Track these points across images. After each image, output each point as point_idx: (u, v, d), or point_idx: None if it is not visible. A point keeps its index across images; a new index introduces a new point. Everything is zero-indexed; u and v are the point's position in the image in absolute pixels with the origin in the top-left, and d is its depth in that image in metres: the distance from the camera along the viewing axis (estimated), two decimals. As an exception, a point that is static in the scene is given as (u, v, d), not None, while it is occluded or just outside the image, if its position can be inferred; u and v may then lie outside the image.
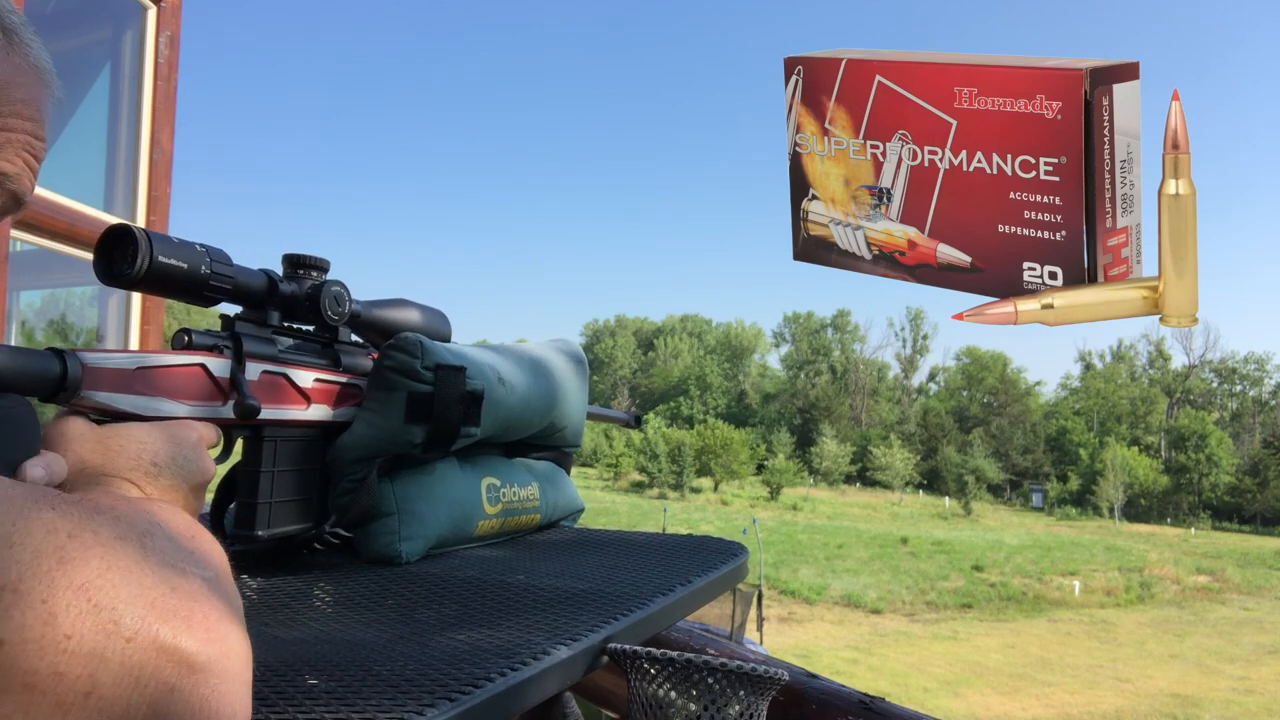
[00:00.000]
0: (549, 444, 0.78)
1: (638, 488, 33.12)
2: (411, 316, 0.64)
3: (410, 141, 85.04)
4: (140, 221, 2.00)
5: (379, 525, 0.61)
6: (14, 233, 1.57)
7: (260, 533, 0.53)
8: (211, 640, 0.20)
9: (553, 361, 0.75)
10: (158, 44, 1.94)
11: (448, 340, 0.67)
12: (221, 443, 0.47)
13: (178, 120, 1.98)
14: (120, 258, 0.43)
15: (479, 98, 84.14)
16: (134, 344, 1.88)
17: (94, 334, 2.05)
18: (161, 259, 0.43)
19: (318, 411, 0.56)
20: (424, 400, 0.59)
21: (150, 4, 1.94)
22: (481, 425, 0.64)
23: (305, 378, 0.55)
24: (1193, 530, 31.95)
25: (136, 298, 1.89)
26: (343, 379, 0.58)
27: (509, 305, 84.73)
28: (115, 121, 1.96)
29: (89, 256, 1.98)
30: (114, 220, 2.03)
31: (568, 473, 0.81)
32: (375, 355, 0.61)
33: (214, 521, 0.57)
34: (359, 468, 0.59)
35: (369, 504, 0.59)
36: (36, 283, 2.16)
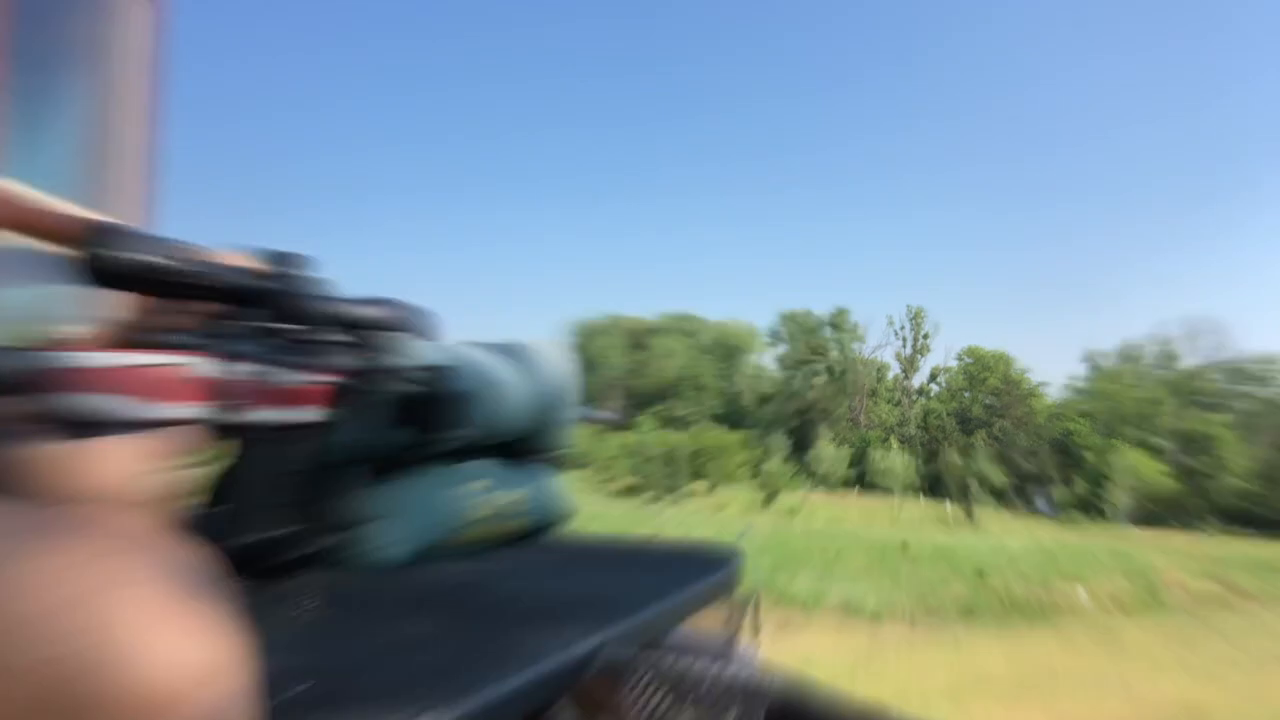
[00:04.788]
0: (539, 446, 0.76)
1: (630, 492, 32.97)
2: (396, 315, 0.63)
3: (399, 133, 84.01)
4: (128, 221, 2.00)
5: (365, 530, 0.59)
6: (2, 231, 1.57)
7: (245, 538, 0.52)
8: (211, 649, 0.20)
9: (542, 361, 0.74)
10: (150, 42, 1.95)
11: (433, 339, 0.66)
12: (204, 446, 0.47)
13: (170, 119, 1.98)
14: (102, 255, 0.42)
15: (472, 93, 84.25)
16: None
17: (78, 334, 2.05)
18: (142, 256, 0.42)
19: (302, 413, 0.55)
20: (412, 401, 0.58)
21: (145, 1, 1.95)
22: (470, 426, 0.63)
23: (289, 377, 0.53)
24: (1202, 535, 31.64)
25: (121, 297, 1.88)
26: (327, 379, 0.57)
27: (498, 303, 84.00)
28: (105, 119, 1.97)
29: (75, 254, 1.99)
30: (104, 219, 2.03)
31: (558, 476, 0.80)
32: (361, 354, 0.60)
33: (198, 527, 0.56)
34: (345, 470, 0.58)
35: (355, 507, 0.58)
36: (21, 281, 2.16)
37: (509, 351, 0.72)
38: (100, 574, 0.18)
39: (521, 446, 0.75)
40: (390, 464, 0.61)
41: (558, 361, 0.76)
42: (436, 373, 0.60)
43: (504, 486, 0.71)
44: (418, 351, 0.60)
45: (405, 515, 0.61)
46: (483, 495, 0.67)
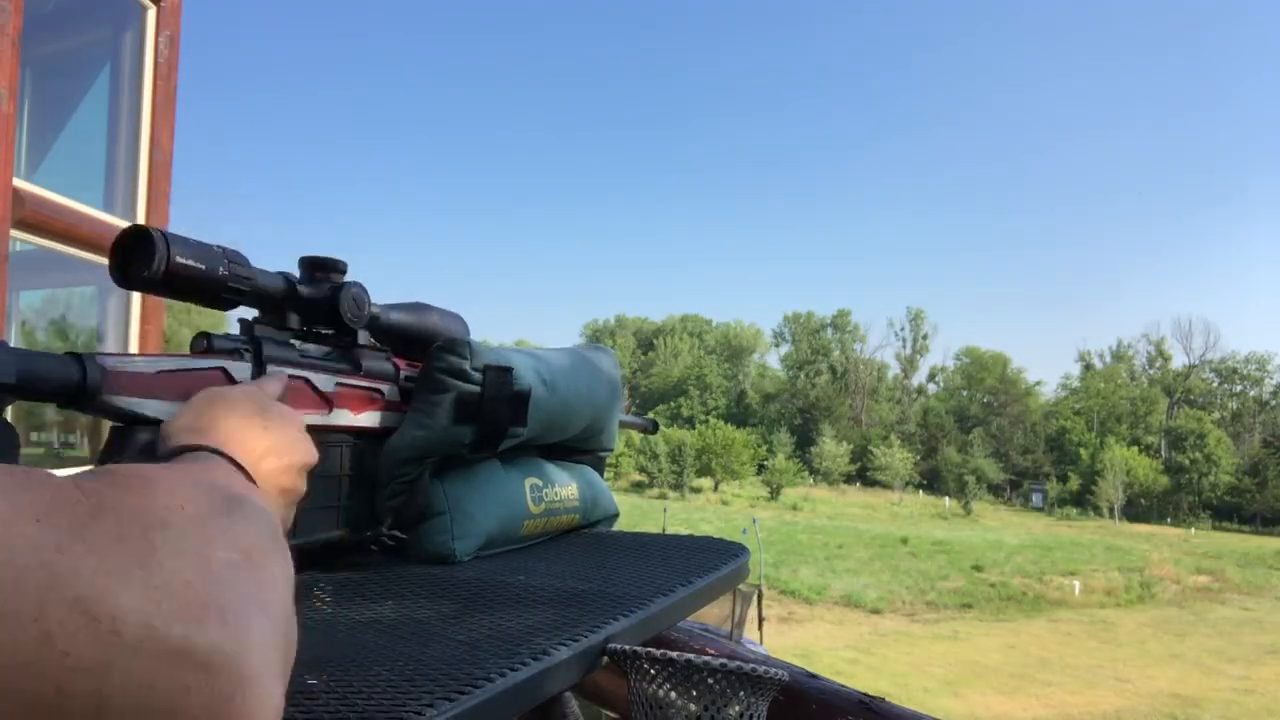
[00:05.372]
0: (585, 447, 0.77)
1: (638, 487, 33.11)
2: (430, 320, 0.63)
3: (405, 139, 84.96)
4: (140, 221, 2.00)
5: (432, 525, 0.61)
6: (14, 233, 1.57)
7: (289, 541, 0.52)
8: (229, 634, 0.19)
9: (590, 365, 0.75)
10: (157, 44, 1.94)
11: (468, 341, 0.66)
12: None
13: (177, 120, 1.98)
14: (136, 259, 0.42)
15: (477, 93, 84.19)
16: (134, 345, 1.87)
17: (94, 334, 2.05)
18: (179, 260, 0.42)
19: (339, 417, 0.55)
20: (473, 401, 0.59)
21: (150, 4, 1.94)
22: (526, 426, 0.64)
23: (326, 382, 0.53)
24: (1193, 530, 31.92)
25: (136, 299, 1.89)
26: (363, 383, 0.57)
27: (509, 305, 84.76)
28: (115, 121, 1.96)
29: (89, 256, 1.99)
30: (113, 220, 2.03)
31: (601, 476, 0.81)
32: (394, 359, 0.60)
33: None
34: (409, 468, 0.59)
35: (423, 504, 0.59)
36: (36, 283, 2.16)
37: (560, 354, 0.74)
38: (111, 565, 0.18)
39: (569, 446, 0.77)
40: (452, 462, 0.62)
41: (603, 366, 0.78)
42: (498, 373, 0.61)
43: (556, 483, 0.73)
44: (480, 353, 0.61)
45: (469, 510, 0.62)
46: (537, 491, 0.69)
